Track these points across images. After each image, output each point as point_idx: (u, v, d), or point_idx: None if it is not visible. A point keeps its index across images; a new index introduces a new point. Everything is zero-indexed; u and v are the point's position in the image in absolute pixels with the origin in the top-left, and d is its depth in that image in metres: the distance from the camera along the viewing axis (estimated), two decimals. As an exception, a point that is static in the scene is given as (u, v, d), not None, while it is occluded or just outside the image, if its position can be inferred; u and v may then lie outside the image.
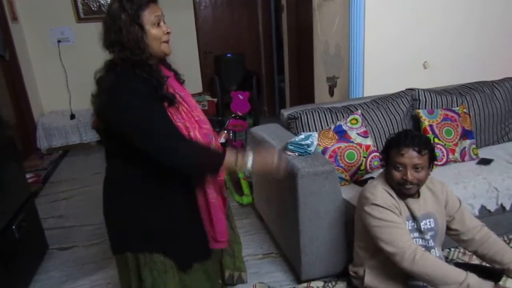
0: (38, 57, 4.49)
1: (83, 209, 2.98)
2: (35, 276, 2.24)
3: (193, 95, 4.95)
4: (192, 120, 1.29)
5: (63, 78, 4.55)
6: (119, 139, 1.22)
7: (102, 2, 4.56)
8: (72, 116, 4.46)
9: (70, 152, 4.42)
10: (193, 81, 5.11)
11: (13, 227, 2.03)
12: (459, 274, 1.37)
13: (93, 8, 4.54)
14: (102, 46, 1.23)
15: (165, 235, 1.32)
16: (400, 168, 1.49)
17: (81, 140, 4.45)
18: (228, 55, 5.18)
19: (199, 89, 5.15)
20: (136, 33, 1.18)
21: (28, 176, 3.57)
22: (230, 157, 1.26)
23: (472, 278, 1.35)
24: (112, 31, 1.19)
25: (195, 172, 1.31)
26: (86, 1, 4.55)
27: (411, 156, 1.47)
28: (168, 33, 1.26)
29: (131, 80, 1.18)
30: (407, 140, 1.48)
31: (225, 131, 3.13)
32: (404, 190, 1.52)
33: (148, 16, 1.20)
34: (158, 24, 1.23)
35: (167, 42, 1.27)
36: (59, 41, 4.50)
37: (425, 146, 1.49)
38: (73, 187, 3.40)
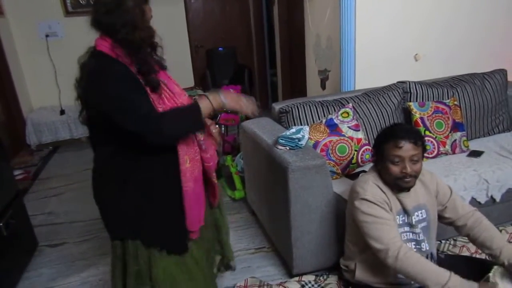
0: (26, 52, 4.41)
1: (73, 205, 2.95)
2: (24, 274, 2.21)
3: (185, 90, 4.90)
4: (175, 106, 1.29)
5: (52, 73, 4.48)
6: (102, 125, 1.23)
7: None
8: (62, 112, 4.40)
9: (60, 148, 4.37)
10: (185, 75, 5.06)
11: (0, 224, 2.00)
12: (442, 275, 1.34)
13: (81, 2, 4.46)
14: (90, 24, 1.22)
15: (147, 222, 1.32)
16: (398, 162, 1.48)
17: (71, 136, 4.40)
18: (220, 49, 5.14)
19: (191, 83, 5.10)
20: (137, 18, 1.22)
21: (17, 172, 3.54)
22: (203, 103, 1.29)
23: (454, 280, 1.33)
24: (113, 14, 1.19)
25: (182, 139, 1.30)
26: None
27: (408, 148, 1.46)
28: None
29: (113, 63, 1.20)
30: (402, 133, 1.48)
31: (217, 126, 3.13)
32: (403, 184, 1.50)
33: (147, 12, 1.28)
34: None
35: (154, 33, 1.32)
36: (47, 36, 4.42)
37: (420, 137, 1.49)
38: (63, 183, 3.37)
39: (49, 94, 4.50)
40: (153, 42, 1.33)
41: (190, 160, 1.32)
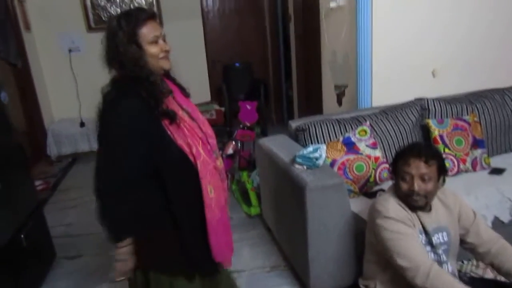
0: (49, 65, 4.56)
1: (91, 217, 2.96)
2: (42, 286, 2.24)
3: (201, 104, 4.96)
4: (195, 137, 1.26)
5: (74, 86, 4.61)
6: None
7: (111, 11, 4.63)
8: (82, 124, 4.50)
9: (79, 160, 4.46)
10: (202, 90, 5.13)
11: (22, 235, 2.04)
12: None
13: (103, 18, 4.60)
14: (103, 63, 1.23)
15: (172, 255, 1.31)
16: (407, 179, 1.47)
17: (91, 148, 4.48)
18: (236, 64, 5.20)
19: (207, 98, 5.16)
20: (134, 52, 1.18)
21: (37, 183, 3.62)
22: (124, 245, 1.25)
23: None
24: (110, 49, 1.20)
25: (101, 211, 1.25)
26: (96, 11, 4.62)
27: (417, 166, 1.45)
28: (166, 51, 1.25)
29: (128, 97, 1.19)
30: (413, 150, 1.47)
31: (233, 142, 3.15)
32: (412, 202, 1.49)
33: (146, 34, 1.20)
34: (156, 42, 1.22)
35: (165, 58, 1.26)
36: (70, 50, 4.57)
37: (433, 156, 1.47)
38: (81, 195, 3.42)
39: (70, 106, 4.62)
40: (164, 70, 1.28)
41: (214, 189, 1.29)
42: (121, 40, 1.17)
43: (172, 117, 1.22)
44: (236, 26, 5.23)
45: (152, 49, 1.21)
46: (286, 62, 5.12)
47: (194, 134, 1.27)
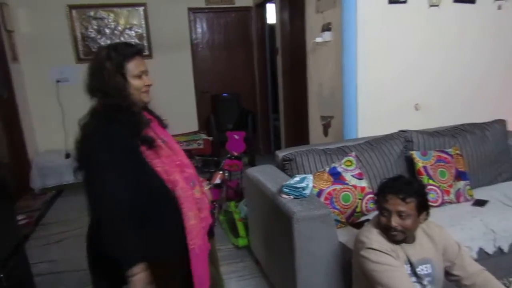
0: (36, 96, 4.55)
1: (75, 252, 2.87)
2: (21, 326, 2.14)
3: (189, 134, 4.95)
4: (173, 164, 1.30)
5: (60, 117, 4.59)
6: None
7: (101, 43, 4.71)
8: (67, 155, 4.44)
9: (64, 192, 4.36)
10: (189, 119, 5.18)
11: (1, 275, 1.96)
12: None
13: (92, 49, 4.67)
14: (85, 91, 1.27)
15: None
16: (385, 214, 1.49)
17: (76, 180, 4.40)
18: (224, 94, 5.29)
19: (195, 127, 5.20)
20: (119, 82, 1.24)
21: (20, 217, 3.50)
22: (138, 272, 1.21)
23: None
24: (96, 78, 1.24)
25: (108, 239, 1.24)
26: (86, 42, 4.69)
27: (395, 203, 1.47)
28: (148, 85, 1.32)
29: (108, 126, 1.21)
30: (393, 187, 1.50)
31: (221, 172, 3.15)
32: (390, 236, 1.51)
33: (132, 69, 1.27)
34: (140, 77, 1.29)
35: (146, 92, 1.33)
36: (58, 81, 4.58)
37: (412, 194, 1.47)
38: (66, 229, 3.32)
39: (56, 137, 4.57)
40: (145, 102, 1.34)
41: (194, 217, 1.31)
42: (109, 70, 1.23)
43: (151, 143, 1.26)
44: (224, 58, 5.36)
45: (136, 83, 1.28)
46: (273, 93, 5.24)
47: (171, 162, 1.30)
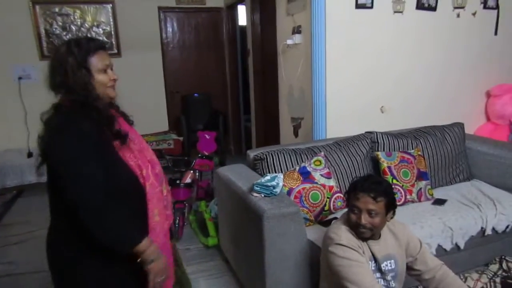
0: (-4, 93, 4.35)
1: (36, 254, 2.78)
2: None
3: (159, 134, 4.88)
4: (144, 160, 1.29)
5: (22, 115, 4.40)
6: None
7: (66, 40, 4.56)
8: (30, 154, 4.27)
9: (25, 193, 4.18)
10: (160, 119, 5.11)
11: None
12: None
13: (57, 46, 4.51)
14: (47, 88, 1.23)
15: None
16: (356, 211, 1.55)
17: (38, 180, 4.24)
18: (195, 95, 5.26)
19: (165, 127, 5.14)
20: (83, 77, 1.20)
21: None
22: (146, 246, 1.19)
23: None
24: (59, 74, 1.21)
25: (107, 240, 1.18)
26: (51, 39, 4.53)
27: (366, 201, 1.53)
28: (114, 80, 1.29)
29: (78, 120, 1.17)
30: (364, 186, 1.55)
31: (191, 171, 3.14)
32: (359, 233, 1.57)
33: (95, 63, 1.24)
34: (105, 71, 1.27)
35: (112, 87, 1.30)
36: (20, 78, 4.39)
37: (382, 193, 1.54)
38: (26, 230, 3.19)
39: (18, 136, 4.39)
40: (111, 97, 1.30)
41: (159, 214, 1.30)
42: (71, 64, 1.19)
43: (124, 138, 1.24)
44: (195, 58, 5.33)
45: (101, 77, 1.25)
46: (245, 94, 5.26)
47: (143, 157, 1.29)
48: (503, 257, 2.44)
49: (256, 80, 4.45)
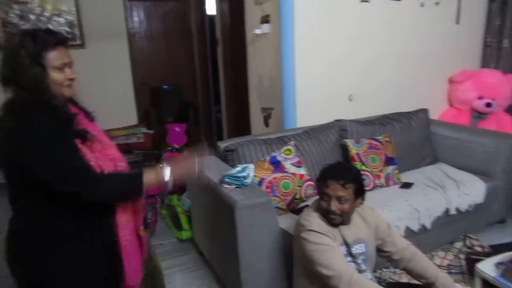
0: None
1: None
2: None
3: (128, 128, 4.74)
4: (106, 159, 1.23)
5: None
6: (24, 182, 1.14)
7: (22, 29, 4.33)
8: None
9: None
10: (128, 112, 4.96)
11: None
12: None
13: (15, 37, 4.28)
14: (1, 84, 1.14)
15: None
16: (326, 198, 1.58)
17: None
18: (165, 86, 5.15)
19: (134, 121, 5.01)
20: (36, 73, 1.10)
21: None
22: (149, 175, 1.21)
23: None
24: (9, 67, 1.11)
25: (119, 202, 1.25)
26: (7, 28, 4.29)
27: (335, 188, 1.55)
28: (71, 79, 1.20)
29: (37, 118, 1.10)
30: (333, 173, 1.58)
31: (161, 165, 3.09)
32: (329, 220, 1.60)
33: (53, 60, 1.14)
34: (62, 69, 1.17)
35: (69, 86, 1.21)
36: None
37: (351, 180, 1.57)
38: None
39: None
40: (66, 97, 1.22)
41: (124, 211, 1.27)
42: (23, 59, 1.09)
43: (84, 136, 1.18)
44: (164, 49, 5.20)
45: (57, 76, 1.15)
46: (215, 85, 5.21)
47: (105, 156, 1.24)
48: (466, 235, 2.57)
49: (226, 70, 4.42)
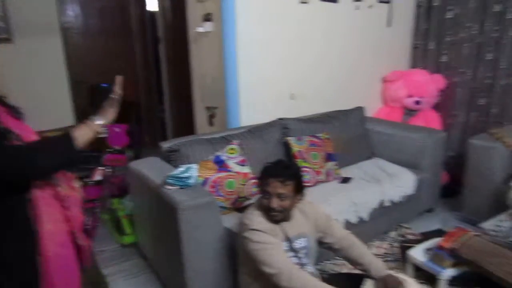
0: None
1: None
2: None
3: (64, 129, 4.43)
4: None
5: None
6: None
7: None
8: None
9: None
10: (63, 112, 4.65)
11: None
12: None
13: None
14: None
15: None
16: (267, 196, 1.62)
17: None
18: (104, 85, 4.91)
19: (71, 121, 4.72)
20: None
21: None
22: (79, 131, 1.21)
23: None
24: None
25: (55, 172, 1.18)
26: None
27: (275, 186, 1.59)
28: None
29: None
30: (273, 171, 1.62)
31: (101, 168, 2.95)
32: (271, 217, 1.64)
33: None
34: None
35: None
36: None
37: (290, 177, 1.62)
38: None
39: None
40: None
41: (50, 220, 1.16)
42: None
43: (3, 134, 1.09)
44: (103, 45, 4.95)
45: None
46: (158, 84, 5.07)
47: None
48: (399, 224, 2.76)
49: (169, 69, 4.33)
